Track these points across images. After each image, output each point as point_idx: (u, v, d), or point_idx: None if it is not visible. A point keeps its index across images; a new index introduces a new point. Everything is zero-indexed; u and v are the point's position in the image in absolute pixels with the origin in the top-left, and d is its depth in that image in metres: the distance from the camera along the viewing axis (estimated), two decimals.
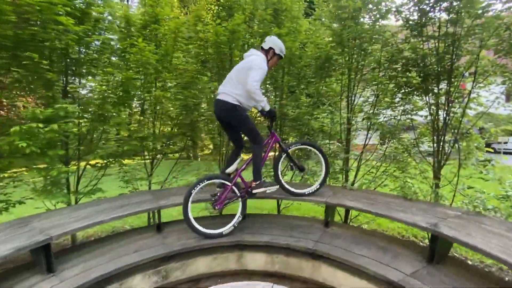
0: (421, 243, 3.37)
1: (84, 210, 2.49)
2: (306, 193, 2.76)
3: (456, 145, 3.02)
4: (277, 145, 2.91)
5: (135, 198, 2.92)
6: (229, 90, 2.50)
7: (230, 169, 2.63)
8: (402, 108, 3.43)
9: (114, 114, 3.17)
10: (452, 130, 3.10)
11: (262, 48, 2.67)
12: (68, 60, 2.92)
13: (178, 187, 3.39)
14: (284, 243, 2.45)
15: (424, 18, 3.01)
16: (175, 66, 3.68)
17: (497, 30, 2.73)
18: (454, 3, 2.85)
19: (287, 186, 2.78)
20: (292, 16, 3.65)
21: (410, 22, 3.09)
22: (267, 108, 2.52)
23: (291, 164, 2.82)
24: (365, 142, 3.62)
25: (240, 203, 2.66)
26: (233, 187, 2.57)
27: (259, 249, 2.55)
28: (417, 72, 3.23)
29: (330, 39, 3.46)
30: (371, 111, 3.53)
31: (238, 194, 2.62)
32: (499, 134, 2.90)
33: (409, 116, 3.37)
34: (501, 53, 2.57)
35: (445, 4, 2.89)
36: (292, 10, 3.63)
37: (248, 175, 2.74)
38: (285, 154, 2.76)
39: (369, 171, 3.59)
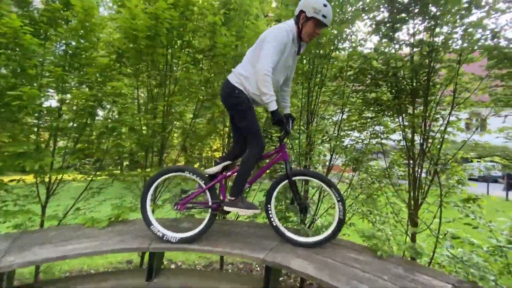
0: None
1: None
2: (311, 242, 1.99)
3: (436, 179, 2.40)
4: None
5: None
6: (236, 69, 1.99)
7: (210, 170, 2.04)
8: (370, 130, 2.80)
9: None
10: (430, 160, 2.48)
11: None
12: None
13: (61, 227, 2.33)
14: None
15: (396, 21, 2.46)
16: (92, 60, 2.78)
17: (479, 41, 2.23)
18: (431, 6, 2.34)
19: (282, 228, 2.03)
20: (243, 11, 2.98)
21: (380, 26, 2.54)
22: (272, 107, 1.81)
23: (293, 197, 2.03)
24: (328, 166, 2.92)
25: (207, 217, 2.02)
26: (207, 191, 2.01)
27: None
28: (388, 87, 2.64)
29: None
30: (335, 132, 2.86)
31: (209, 203, 2.01)
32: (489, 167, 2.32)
33: (379, 139, 2.74)
34: (492, 61, 2.01)
35: (419, 8, 2.37)
36: (244, 4, 2.95)
37: None
38: (288, 181, 1.99)
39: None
